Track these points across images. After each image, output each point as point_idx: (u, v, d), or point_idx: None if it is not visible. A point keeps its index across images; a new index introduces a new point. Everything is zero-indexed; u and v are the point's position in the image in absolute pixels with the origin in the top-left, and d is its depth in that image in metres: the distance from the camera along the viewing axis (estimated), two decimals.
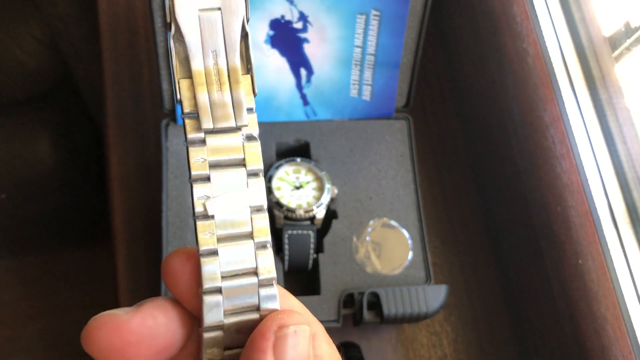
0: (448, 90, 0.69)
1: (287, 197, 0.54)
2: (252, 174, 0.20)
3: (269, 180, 0.54)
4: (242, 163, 0.20)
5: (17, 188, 0.94)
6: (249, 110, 0.20)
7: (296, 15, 0.54)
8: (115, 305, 0.57)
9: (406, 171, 0.58)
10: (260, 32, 0.55)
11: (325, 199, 0.54)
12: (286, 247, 0.53)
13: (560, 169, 0.50)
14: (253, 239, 0.20)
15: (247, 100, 0.20)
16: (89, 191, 0.98)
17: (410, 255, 0.55)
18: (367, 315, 0.52)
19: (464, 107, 0.68)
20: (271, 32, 0.55)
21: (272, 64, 0.56)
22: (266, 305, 0.20)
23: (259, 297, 0.20)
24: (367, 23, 0.55)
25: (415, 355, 0.58)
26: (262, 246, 0.20)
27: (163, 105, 0.56)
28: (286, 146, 0.59)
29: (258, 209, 0.20)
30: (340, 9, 0.54)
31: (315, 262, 0.54)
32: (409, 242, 0.56)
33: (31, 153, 0.94)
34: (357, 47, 0.56)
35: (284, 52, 0.56)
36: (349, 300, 0.53)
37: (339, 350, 0.23)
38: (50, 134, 0.94)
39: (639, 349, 0.44)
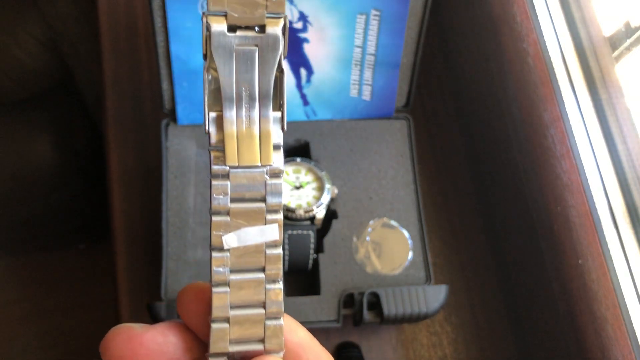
0: (448, 90, 0.69)
1: (287, 197, 0.54)
2: (272, 210, 0.20)
3: None
4: (262, 199, 0.20)
5: (17, 188, 0.94)
6: (276, 147, 0.20)
7: (296, 15, 0.54)
8: (115, 305, 0.57)
9: (406, 171, 0.58)
10: None
11: (325, 199, 0.54)
12: (286, 247, 0.53)
13: (560, 168, 0.50)
14: (264, 273, 0.21)
15: (275, 138, 0.20)
16: (89, 191, 0.98)
17: (410, 255, 0.55)
18: (367, 315, 0.52)
19: (464, 107, 0.68)
20: None
21: None
22: (270, 337, 0.21)
23: (265, 329, 0.21)
24: (367, 23, 0.55)
25: (415, 355, 0.58)
26: (272, 280, 0.21)
27: (163, 105, 0.56)
28: (286, 146, 0.59)
29: (273, 244, 0.21)
30: (340, 9, 0.54)
31: (315, 262, 0.54)
32: (409, 242, 0.56)
33: (31, 153, 0.94)
34: (357, 47, 0.56)
35: None
36: (349, 300, 0.53)
37: None
38: (50, 133, 0.94)
39: (639, 349, 0.44)
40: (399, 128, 0.59)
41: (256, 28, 0.19)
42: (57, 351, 1.00)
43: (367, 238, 0.56)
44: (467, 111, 0.67)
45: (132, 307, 0.56)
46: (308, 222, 0.54)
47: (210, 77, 0.19)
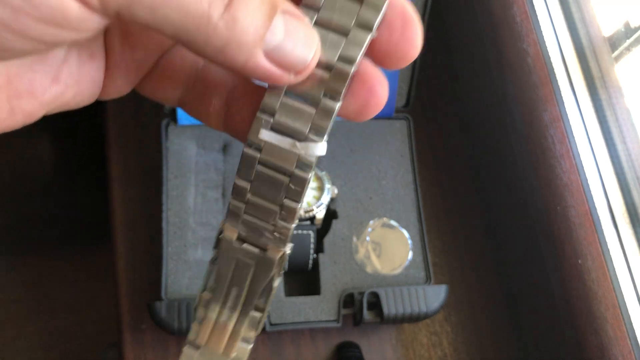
0: (448, 90, 0.69)
1: None
2: None
3: None
4: None
5: (18, 188, 0.94)
6: (245, 340, 0.22)
7: None
8: (115, 305, 0.57)
9: (406, 171, 0.58)
10: None
11: (325, 199, 0.54)
12: None
13: (560, 168, 0.50)
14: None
15: (246, 333, 0.22)
16: (89, 191, 0.98)
17: (410, 255, 0.55)
18: (367, 315, 0.52)
19: (464, 107, 0.68)
20: None
21: None
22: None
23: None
24: None
25: (415, 355, 0.58)
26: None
27: (163, 105, 0.56)
28: None
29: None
30: None
31: (315, 262, 0.54)
32: (409, 242, 0.56)
33: (32, 153, 0.94)
34: None
35: None
36: (349, 300, 0.53)
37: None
38: (51, 134, 0.94)
39: (638, 349, 0.44)
40: (399, 128, 0.59)
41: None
42: (57, 351, 1.00)
43: (367, 238, 0.56)
44: (467, 111, 0.68)
45: (132, 307, 0.56)
46: (308, 222, 0.54)
47: (212, 269, 0.22)
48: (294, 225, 0.20)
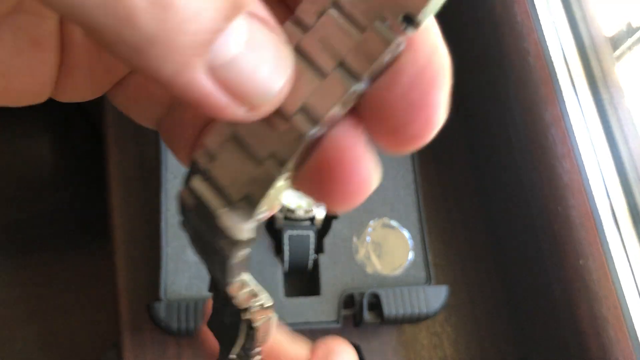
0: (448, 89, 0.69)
1: (287, 197, 0.54)
2: None
3: None
4: None
5: (17, 188, 0.94)
6: None
7: None
8: (115, 305, 0.57)
9: (406, 171, 0.58)
10: None
11: None
12: (286, 247, 0.53)
13: (561, 169, 0.50)
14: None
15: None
16: (89, 191, 0.98)
17: (410, 255, 0.55)
18: (367, 315, 0.52)
19: (464, 107, 0.68)
20: None
21: None
22: None
23: None
24: None
25: (416, 356, 0.58)
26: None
27: None
28: None
29: None
30: None
31: (316, 262, 0.54)
32: (409, 242, 0.56)
33: (31, 153, 0.94)
34: None
35: None
36: (349, 301, 0.53)
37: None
38: (50, 134, 0.94)
39: None
40: None
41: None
42: (57, 351, 0.99)
43: (368, 238, 0.55)
44: (467, 111, 0.67)
45: (132, 307, 0.56)
46: (308, 223, 0.54)
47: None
48: (246, 305, 0.16)
